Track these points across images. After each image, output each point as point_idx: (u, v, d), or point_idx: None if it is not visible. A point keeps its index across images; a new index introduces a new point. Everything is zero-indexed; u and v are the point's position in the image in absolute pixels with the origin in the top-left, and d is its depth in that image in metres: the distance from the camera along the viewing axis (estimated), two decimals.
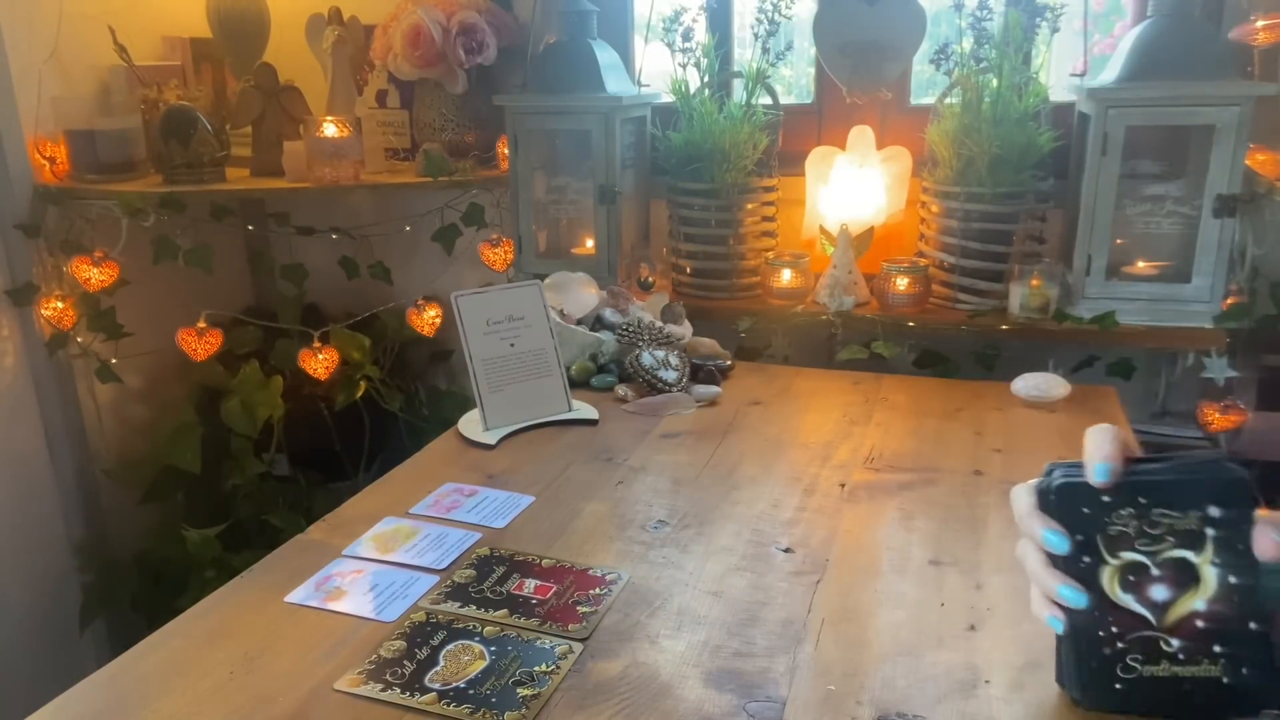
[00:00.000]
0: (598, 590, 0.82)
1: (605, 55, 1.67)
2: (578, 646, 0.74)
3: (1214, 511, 0.59)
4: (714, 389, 1.30)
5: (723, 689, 0.69)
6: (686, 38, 1.60)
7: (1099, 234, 1.45)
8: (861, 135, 1.68)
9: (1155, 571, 0.60)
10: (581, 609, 0.79)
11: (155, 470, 1.87)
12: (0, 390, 1.73)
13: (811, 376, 1.40)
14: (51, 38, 1.72)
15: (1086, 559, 0.61)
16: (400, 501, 1.00)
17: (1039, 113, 1.48)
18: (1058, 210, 1.56)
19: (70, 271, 1.72)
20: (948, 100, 1.54)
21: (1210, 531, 0.59)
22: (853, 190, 1.67)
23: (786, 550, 0.89)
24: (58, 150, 1.74)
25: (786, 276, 1.63)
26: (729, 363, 1.41)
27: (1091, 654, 0.63)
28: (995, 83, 1.47)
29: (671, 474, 1.07)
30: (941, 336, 1.56)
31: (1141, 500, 0.60)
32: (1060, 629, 0.63)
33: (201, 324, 1.77)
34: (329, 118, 1.72)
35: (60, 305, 1.72)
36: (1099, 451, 0.60)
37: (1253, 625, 0.59)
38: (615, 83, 1.66)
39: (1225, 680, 0.60)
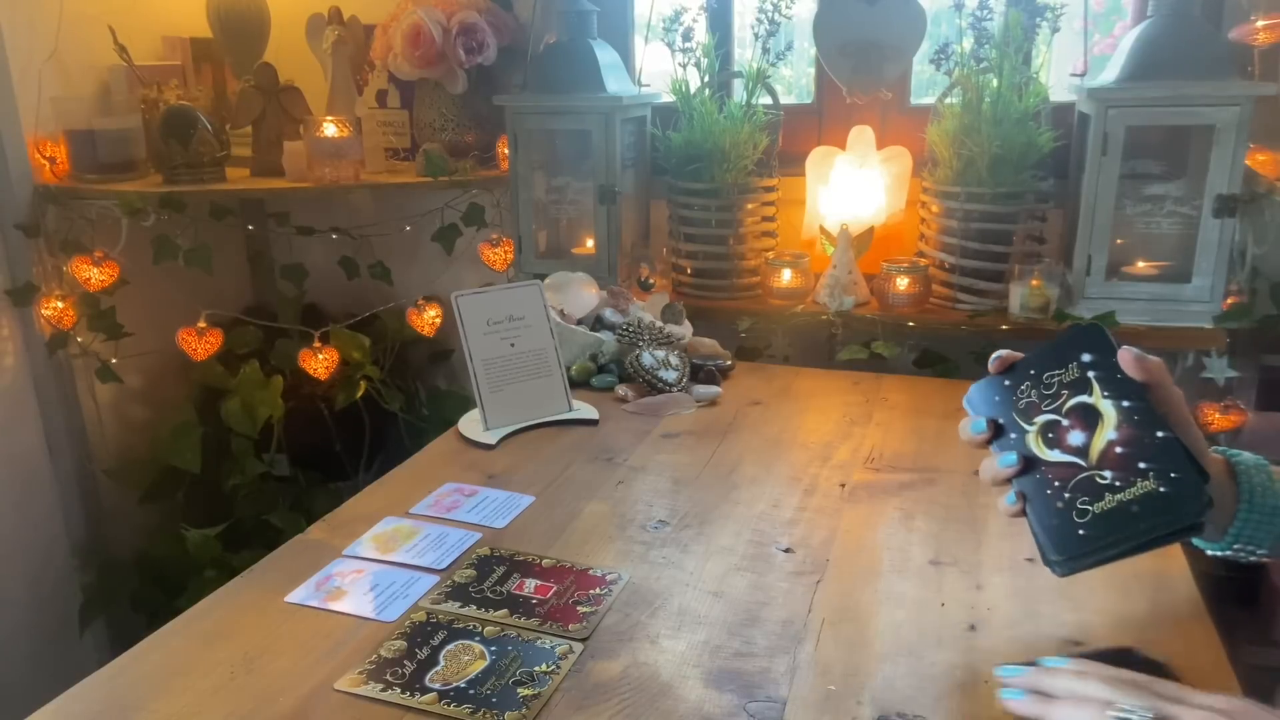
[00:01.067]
0: (598, 590, 0.82)
1: (605, 55, 1.67)
2: (578, 646, 0.74)
3: (1086, 357, 0.71)
4: (714, 389, 1.30)
5: (723, 689, 0.69)
6: (686, 38, 1.60)
7: (1099, 234, 1.45)
8: (861, 135, 1.68)
9: (1065, 422, 0.71)
10: (582, 609, 0.79)
11: (155, 470, 1.87)
12: (0, 390, 1.74)
13: (811, 376, 1.40)
14: (51, 38, 1.72)
15: (1013, 435, 0.73)
16: (400, 501, 1.00)
17: (1039, 113, 1.48)
18: (1058, 210, 1.56)
19: (70, 271, 1.72)
20: (948, 100, 1.54)
21: (1091, 374, 0.70)
22: (853, 190, 1.67)
23: (787, 550, 0.89)
24: (58, 150, 1.74)
25: (786, 276, 1.63)
26: (729, 363, 1.41)
27: (1049, 513, 0.71)
28: (995, 83, 1.47)
29: (671, 474, 1.07)
30: (941, 336, 1.56)
31: (1032, 372, 0.74)
32: (1013, 501, 0.73)
33: (201, 324, 1.77)
34: (329, 118, 1.72)
35: (60, 305, 1.72)
36: (992, 355, 0.77)
37: (1159, 434, 0.68)
38: (615, 83, 1.66)
39: (1162, 489, 0.66)
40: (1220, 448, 0.76)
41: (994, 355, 0.77)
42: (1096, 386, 0.70)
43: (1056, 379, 0.72)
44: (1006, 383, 0.74)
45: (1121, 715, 0.58)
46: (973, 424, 0.76)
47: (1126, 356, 0.69)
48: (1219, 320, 1.43)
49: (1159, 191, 1.47)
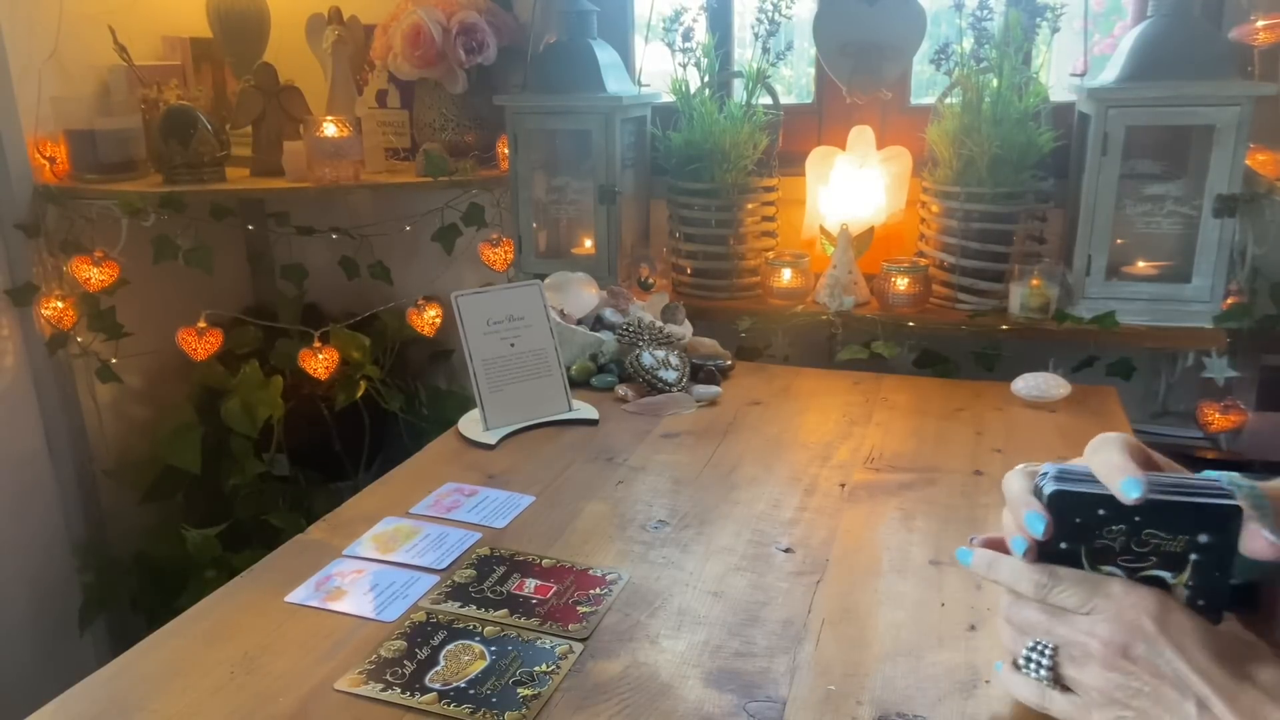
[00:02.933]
0: (598, 590, 0.82)
1: (605, 55, 1.67)
2: (578, 646, 0.74)
3: (1202, 538, 0.58)
4: (714, 389, 1.30)
5: (723, 689, 0.69)
6: (686, 38, 1.60)
7: (1099, 234, 1.45)
8: (861, 135, 1.68)
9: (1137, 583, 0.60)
10: (582, 609, 0.79)
11: (155, 470, 1.87)
12: (0, 390, 1.74)
13: (811, 376, 1.40)
14: (51, 38, 1.72)
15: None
16: (400, 501, 1.00)
17: (1039, 113, 1.48)
18: (1058, 210, 1.56)
19: (70, 271, 1.72)
20: (948, 100, 1.54)
21: (1193, 556, 0.59)
22: (853, 190, 1.67)
23: (787, 550, 0.89)
24: (58, 150, 1.74)
25: (786, 276, 1.63)
26: (729, 363, 1.41)
27: None
28: (995, 83, 1.47)
29: (671, 474, 1.07)
30: (941, 336, 1.56)
31: (1136, 519, 0.59)
32: (1022, 549, 0.62)
33: (201, 324, 1.77)
34: (329, 118, 1.72)
35: (60, 305, 1.72)
36: (1119, 468, 0.59)
37: None
38: (615, 83, 1.66)
39: None
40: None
41: (1134, 479, 0.58)
42: (1189, 571, 0.59)
43: (1156, 542, 0.59)
44: (1101, 512, 0.60)
45: (1027, 655, 0.61)
46: (1031, 516, 0.61)
47: (1260, 543, 0.57)
48: (1219, 320, 1.43)
49: (1159, 191, 1.47)
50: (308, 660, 0.74)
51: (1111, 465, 0.60)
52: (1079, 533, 0.61)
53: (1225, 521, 0.58)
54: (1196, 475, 0.62)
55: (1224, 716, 0.53)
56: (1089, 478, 0.61)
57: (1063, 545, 0.61)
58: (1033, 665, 0.60)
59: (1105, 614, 0.58)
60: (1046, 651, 0.60)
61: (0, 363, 1.74)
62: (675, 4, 1.60)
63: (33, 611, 1.82)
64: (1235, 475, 0.66)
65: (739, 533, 0.93)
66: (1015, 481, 0.65)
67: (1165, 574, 0.59)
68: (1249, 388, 1.54)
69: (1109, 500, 0.59)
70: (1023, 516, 0.62)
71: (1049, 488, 0.61)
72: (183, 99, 1.83)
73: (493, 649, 0.74)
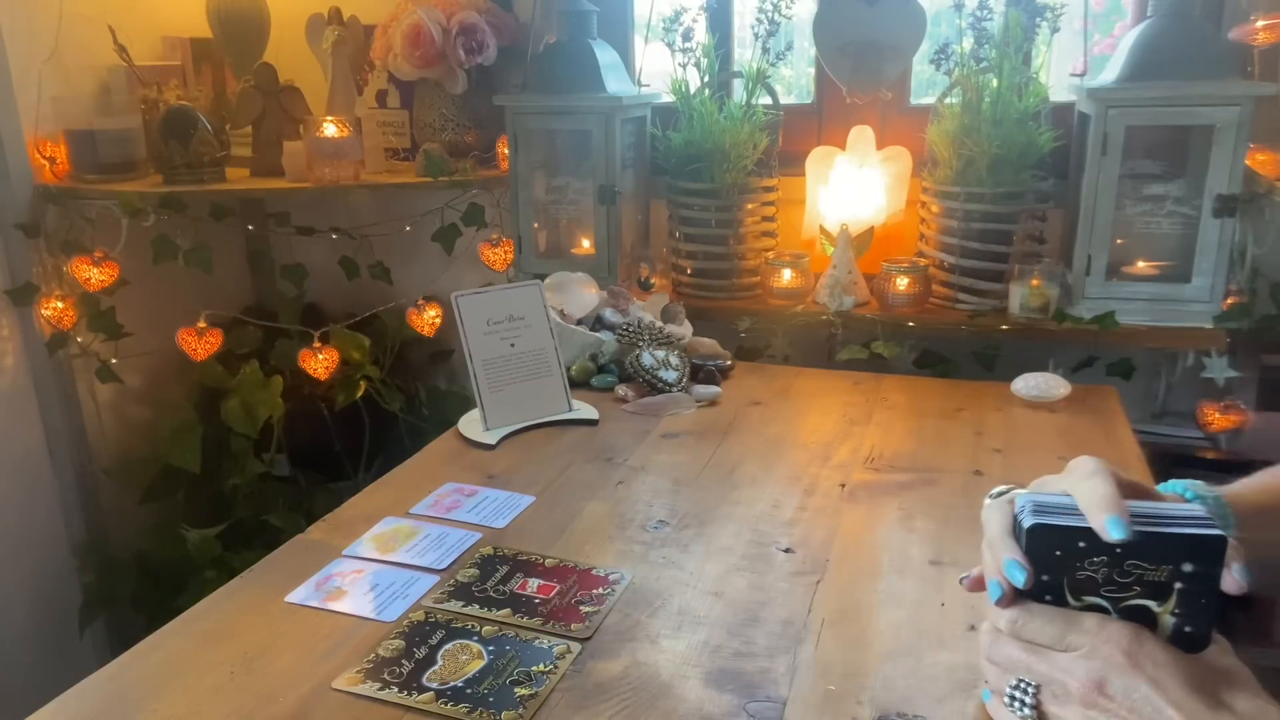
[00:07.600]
0: (601, 590, 0.82)
1: (605, 55, 1.67)
2: (576, 646, 0.74)
3: (1187, 566, 0.58)
4: (714, 389, 1.30)
5: (723, 689, 0.69)
6: (686, 38, 1.60)
7: (1099, 234, 1.45)
8: (861, 135, 1.68)
9: (1114, 617, 0.59)
10: (584, 609, 0.79)
11: (155, 470, 1.87)
12: (0, 390, 1.73)
13: (811, 376, 1.40)
14: (51, 38, 1.72)
15: (1049, 597, 0.60)
16: (400, 501, 1.00)
17: (1039, 113, 1.48)
18: (1058, 210, 1.56)
19: (70, 271, 1.72)
20: (948, 100, 1.54)
21: (1178, 585, 0.58)
22: (853, 190, 1.67)
23: (787, 550, 0.89)
24: (58, 150, 1.74)
25: (786, 276, 1.63)
26: (729, 363, 1.41)
27: None
28: (995, 83, 1.47)
29: (671, 474, 1.07)
30: (941, 336, 1.56)
31: (1117, 550, 0.58)
32: (997, 596, 0.61)
33: (201, 324, 1.77)
34: (329, 118, 1.72)
35: (60, 305, 1.72)
36: (1103, 504, 0.58)
37: None
38: (615, 83, 1.66)
39: None
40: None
41: (1118, 518, 0.57)
42: (1174, 599, 0.58)
43: (1139, 572, 0.59)
44: (1081, 544, 0.59)
45: (1011, 694, 0.61)
46: (1010, 564, 0.60)
47: (1228, 581, 0.58)
48: (1219, 320, 1.43)
49: (1159, 191, 1.47)
50: (307, 660, 0.74)
51: (1095, 499, 0.59)
52: (1060, 565, 0.60)
53: (1209, 551, 0.58)
54: (1168, 494, 0.62)
55: None
56: (1068, 509, 0.60)
57: (1044, 578, 0.60)
58: (1017, 704, 0.61)
59: (1081, 650, 0.58)
60: (1030, 690, 0.60)
61: (0, 363, 1.74)
62: (675, 4, 1.60)
63: (33, 611, 1.82)
64: (1199, 484, 0.66)
65: (739, 533, 0.93)
66: (995, 517, 0.63)
67: (1150, 603, 0.59)
68: (1249, 388, 1.54)
69: (1089, 532, 0.58)
70: (1003, 562, 0.61)
71: (1027, 521, 0.60)
72: (183, 99, 1.83)
73: (490, 648, 0.74)
